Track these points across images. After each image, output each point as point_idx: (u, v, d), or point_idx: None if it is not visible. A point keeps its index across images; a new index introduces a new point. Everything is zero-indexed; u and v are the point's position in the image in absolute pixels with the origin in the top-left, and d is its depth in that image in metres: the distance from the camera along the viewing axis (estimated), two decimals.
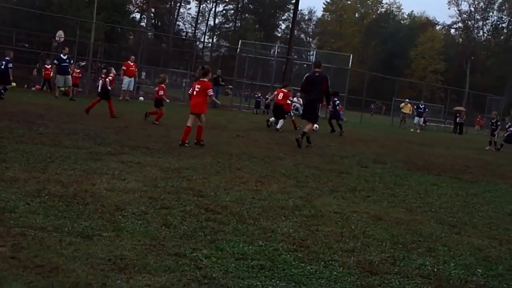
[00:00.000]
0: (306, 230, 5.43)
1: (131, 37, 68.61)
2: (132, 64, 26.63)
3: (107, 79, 16.23)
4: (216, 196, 6.45)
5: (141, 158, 8.68)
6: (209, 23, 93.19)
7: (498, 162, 16.67)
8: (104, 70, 18.66)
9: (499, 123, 25.65)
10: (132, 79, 26.62)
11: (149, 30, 77.71)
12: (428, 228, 6.16)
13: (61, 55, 23.77)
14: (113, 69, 17.47)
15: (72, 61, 25.22)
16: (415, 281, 4.31)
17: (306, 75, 14.89)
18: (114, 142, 10.10)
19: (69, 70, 23.98)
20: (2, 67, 19.63)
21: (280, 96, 19.03)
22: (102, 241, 4.36)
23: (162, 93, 16.27)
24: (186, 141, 11.04)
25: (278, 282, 3.94)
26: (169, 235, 4.73)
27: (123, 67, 26.67)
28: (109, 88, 16.17)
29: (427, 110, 38.72)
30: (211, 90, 11.88)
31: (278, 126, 18.04)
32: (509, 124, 24.71)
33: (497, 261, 5.12)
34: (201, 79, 11.72)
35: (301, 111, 32.29)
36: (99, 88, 16.63)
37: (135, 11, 79.81)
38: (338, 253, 4.79)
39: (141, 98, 29.09)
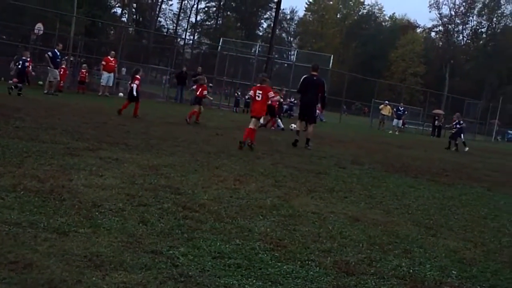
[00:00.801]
0: (284, 229, 5.44)
1: (112, 32, 68.20)
2: (112, 59, 26.46)
3: (134, 85, 16.52)
4: (194, 194, 6.44)
5: (119, 154, 8.62)
6: (190, 20, 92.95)
7: (475, 165, 16.86)
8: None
9: (462, 124, 25.74)
10: (112, 74, 26.45)
11: (130, 25, 77.30)
12: (404, 229, 6.21)
13: (56, 50, 23.50)
14: (141, 70, 17.75)
15: (63, 58, 25.08)
16: (390, 282, 4.34)
17: (303, 77, 15.05)
18: (92, 138, 10.01)
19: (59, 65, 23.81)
20: (19, 66, 20.90)
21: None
22: (78, 237, 4.32)
23: (206, 93, 17.91)
24: (247, 142, 11.88)
25: (254, 281, 3.94)
26: (146, 232, 4.71)
27: (103, 62, 26.50)
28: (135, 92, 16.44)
29: (406, 112, 39.03)
30: (271, 92, 12.80)
31: (281, 126, 18.54)
32: (456, 121, 24.87)
33: (472, 263, 5.18)
34: (261, 84, 12.58)
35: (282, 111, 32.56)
36: (130, 91, 16.87)
37: (117, 5, 79.25)
38: (315, 253, 4.81)
39: (121, 93, 28.86)
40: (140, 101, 16.56)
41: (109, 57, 26.66)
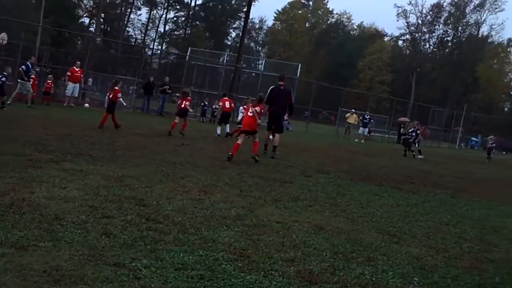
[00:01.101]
0: (247, 239, 5.46)
1: (79, 42, 67.43)
2: (77, 69, 26.13)
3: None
4: (158, 205, 6.42)
5: (83, 166, 8.54)
6: (159, 29, 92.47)
7: (439, 172, 17.12)
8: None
9: (419, 131, 26.20)
10: (77, 85, 26.10)
11: (97, 35, 76.59)
12: (368, 237, 6.28)
13: (28, 63, 23.20)
14: (120, 82, 18.61)
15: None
16: None
17: (271, 88, 15.28)
18: (56, 150, 9.89)
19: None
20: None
21: (227, 104, 19.56)
22: (38, 251, 4.27)
23: (188, 104, 18.30)
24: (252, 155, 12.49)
25: None
26: (108, 244, 4.68)
27: (68, 73, 26.17)
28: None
29: (372, 120, 39.37)
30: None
31: (227, 130, 18.68)
32: (412, 129, 25.28)
33: (433, 269, 5.27)
34: (255, 103, 13.49)
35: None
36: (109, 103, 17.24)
37: (84, 15, 78.42)
38: (278, 262, 4.83)
39: (87, 104, 28.57)
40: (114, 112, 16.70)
41: (74, 67, 26.34)
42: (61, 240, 4.61)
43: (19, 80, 22.41)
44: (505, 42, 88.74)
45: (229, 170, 10.43)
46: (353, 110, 38.58)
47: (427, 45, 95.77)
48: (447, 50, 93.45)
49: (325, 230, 6.33)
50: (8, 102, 21.25)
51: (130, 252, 4.55)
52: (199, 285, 4.03)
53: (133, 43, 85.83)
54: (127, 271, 4.08)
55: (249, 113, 13.15)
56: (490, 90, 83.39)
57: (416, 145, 25.06)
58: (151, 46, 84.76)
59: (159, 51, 75.43)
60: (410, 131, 25.38)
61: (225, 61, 43.66)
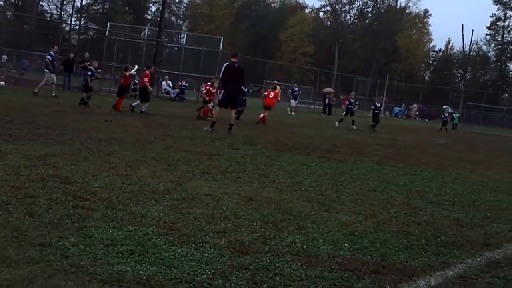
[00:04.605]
0: (177, 213, 5.42)
1: None
2: None
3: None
4: (84, 183, 6.26)
5: (1, 145, 8.18)
6: (76, 4, 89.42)
7: (365, 141, 17.54)
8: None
9: (357, 102, 27.02)
10: None
11: (7, 9, 73.30)
12: (298, 206, 6.35)
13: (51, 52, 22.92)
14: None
15: None
16: (285, 258, 4.42)
17: (225, 65, 15.20)
18: None
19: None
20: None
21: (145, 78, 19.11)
22: None
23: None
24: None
25: (148, 266, 3.90)
26: (33, 224, 4.52)
27: None
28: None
29: (300, 92, 39.80)
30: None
31: (144, 109, 18.04)
32: (375, 105, 26.05)
33: (362, 235, 5.38)
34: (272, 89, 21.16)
35: (172, 95, 32.25)
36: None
37: None
38: (209, 234, 4.82)
39: (2, 82, 27.45)
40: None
41: None
42: None
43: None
44: (422, 13, 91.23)
45: (155, 145, 10.29)
46: (275, 82, 38.85)
47: (348, 16, 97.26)
48: (367, 21, 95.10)
49: (255, 200, 6.35)
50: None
51: (56, 231, 4.41)
52: (130, 261, 3.96)
53: (48, 18, 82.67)
54: (54, 250, 3.96)
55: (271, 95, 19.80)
56: (411, 60, 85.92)
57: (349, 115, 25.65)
58: (69, 22, 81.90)
59: (77, 27, 73.14)
60: (352, 101, 26.23)
61: (146, 36, 42.77)
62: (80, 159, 7.84)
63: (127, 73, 19.27)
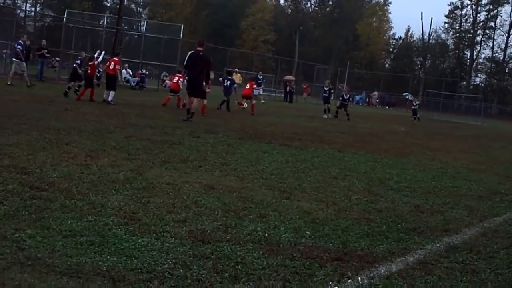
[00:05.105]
0: (137, 202, 5.36)
1: None
2: None
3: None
4: (42, 173, 6.13)
5: None
6: None
7: (326, 128, 17.65)
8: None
9: (332, 91, 27.23)
10: None
11: None
12: (259, 194, 6.34)
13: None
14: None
15: None
16: (246, 247, 4.42)
17: (190, 53, 15.23)
18: None
19: None
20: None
21: (112, 66, 18.61)
22: None
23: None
24: None
25: (108, 257, 3.85)
26: None
27: None
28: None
29: (264, 80, 39.77)
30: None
31: (110, 99, 17.54)
32: (342, 96, 26.25)
33: (324, 223, 5.41)
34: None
35: (132, 83, 31.83)
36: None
37: None
38: (170, 224, 4.78)
39: None
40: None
41: None
42: None
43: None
44: (382, 1, 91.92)
45: (115, 134, 10.14)
46: (236, 70, 38.81)
47: (309, 4, 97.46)
48: (328, 8, 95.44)
49: (216, 189, 6.33)
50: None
51: (12, 223, 4.31)
52: (89, 252, 3.90)
53: (2, 4, 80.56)
54: (10, 243, 3.87)
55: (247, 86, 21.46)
56: (371, 48, 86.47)
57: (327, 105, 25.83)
58: (23, 8, 79.89)
59: (32, 13, 71.50)
60: (327, 89, 26.41)
61: (105, 23, 42.11)
62: (38, 148, 7.68)
63: (96, 62, 18.81)
